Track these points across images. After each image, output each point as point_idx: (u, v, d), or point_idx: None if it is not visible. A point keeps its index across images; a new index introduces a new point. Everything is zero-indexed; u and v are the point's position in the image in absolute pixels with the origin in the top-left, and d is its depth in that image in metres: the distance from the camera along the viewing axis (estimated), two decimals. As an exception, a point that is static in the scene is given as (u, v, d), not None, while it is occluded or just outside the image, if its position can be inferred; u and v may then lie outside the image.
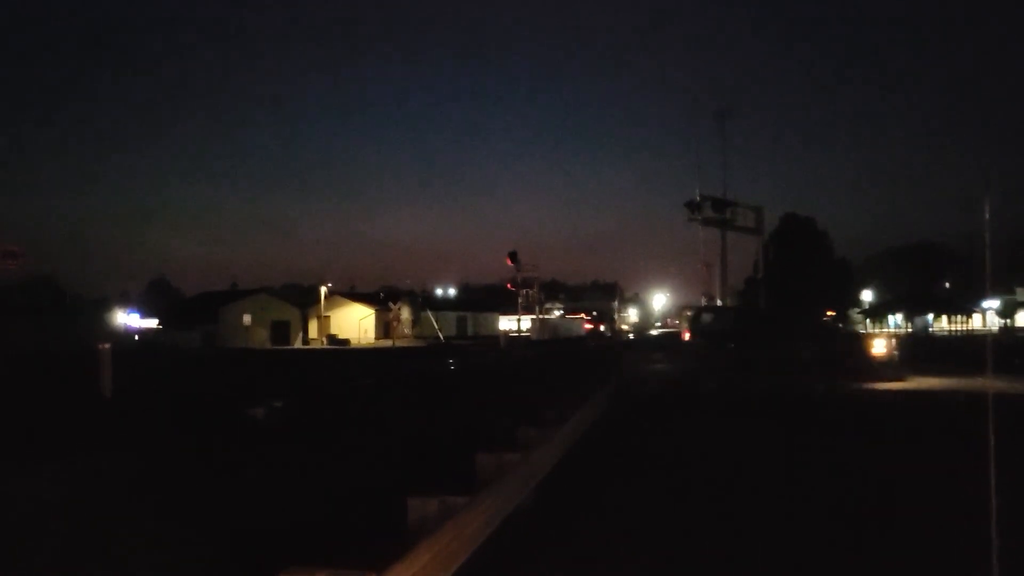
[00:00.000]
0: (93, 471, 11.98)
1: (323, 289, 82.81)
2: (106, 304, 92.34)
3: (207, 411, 19.24)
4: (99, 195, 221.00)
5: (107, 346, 23.20)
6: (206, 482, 11.24)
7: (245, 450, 13.80)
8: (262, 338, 77.85)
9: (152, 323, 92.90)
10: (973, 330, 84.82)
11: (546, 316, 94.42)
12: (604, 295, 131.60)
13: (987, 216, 3.83)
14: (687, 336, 69.23)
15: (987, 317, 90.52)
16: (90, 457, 13.00)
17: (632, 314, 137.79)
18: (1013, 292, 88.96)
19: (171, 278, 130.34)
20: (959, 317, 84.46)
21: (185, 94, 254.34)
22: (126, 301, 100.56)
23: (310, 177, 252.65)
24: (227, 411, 18.25)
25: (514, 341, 72.63)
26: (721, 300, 62.77)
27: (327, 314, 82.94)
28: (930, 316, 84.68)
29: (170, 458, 13.15)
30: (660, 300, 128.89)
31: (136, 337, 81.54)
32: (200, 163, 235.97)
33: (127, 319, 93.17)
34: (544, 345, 70.03)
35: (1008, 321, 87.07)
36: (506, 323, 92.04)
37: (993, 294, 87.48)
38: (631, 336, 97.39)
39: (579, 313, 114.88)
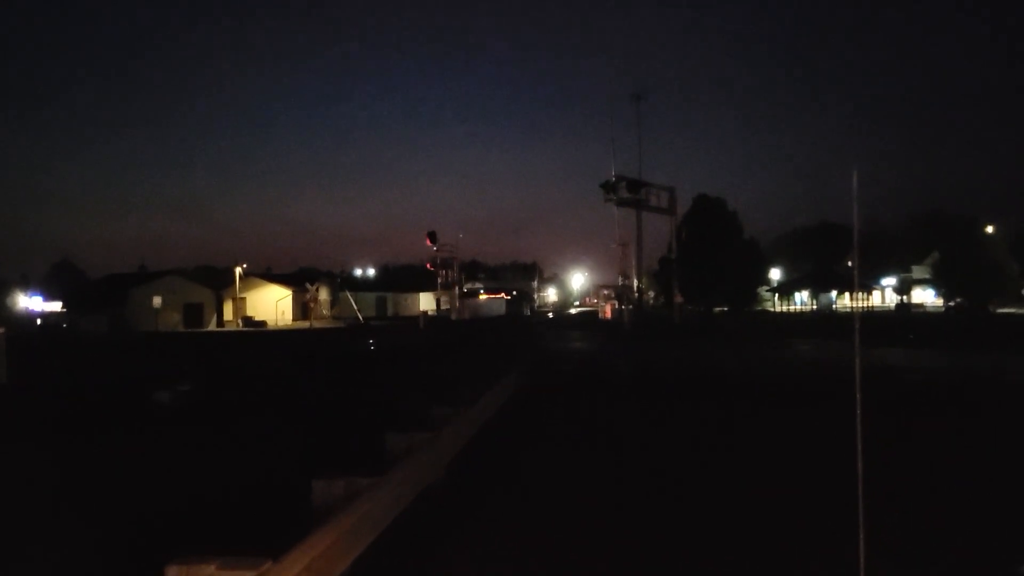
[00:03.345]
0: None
1: (238, 270, 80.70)
2: (5, 287, 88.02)
3: (110, 396, 18.66)
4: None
5: (2, 330, 22.14)
6: (103, 468, 10.92)
7: (148, 435, 13.46)
8: (174, 321, 75.47)
9: (56, 307, 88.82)
10: (873, 307, 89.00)
11: (466, 296, 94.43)
12: (524, 275, 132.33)
13: (855, 211, 4.09)
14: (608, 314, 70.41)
15: (886, 294, 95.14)
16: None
17: (551, 293, 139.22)
18: (909, 270, 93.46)
19: (76, 260, 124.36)
20: (860, 294, 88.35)
21: (92, 66, 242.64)
22: (27, 284, 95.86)
23: (224, 157, 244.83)
24: (131, 395, 17.74)
25: (433, 321, 72.50)
26: (637, 279, 64.15)
27: (243, 296, 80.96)
28: (833, 293, 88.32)
29: (66, 445, 12.71)
30: (578, 279, 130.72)
31: (38, 321, 77.89)
32: (106, 140, 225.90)
33: (29, 302, 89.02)
34: (463, 325, 70.14)
35: (904, 297, 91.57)
36: (425, 303, 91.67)
37: (891, 272, 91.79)
38: (550, 315, 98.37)
39: (499, 293, 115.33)
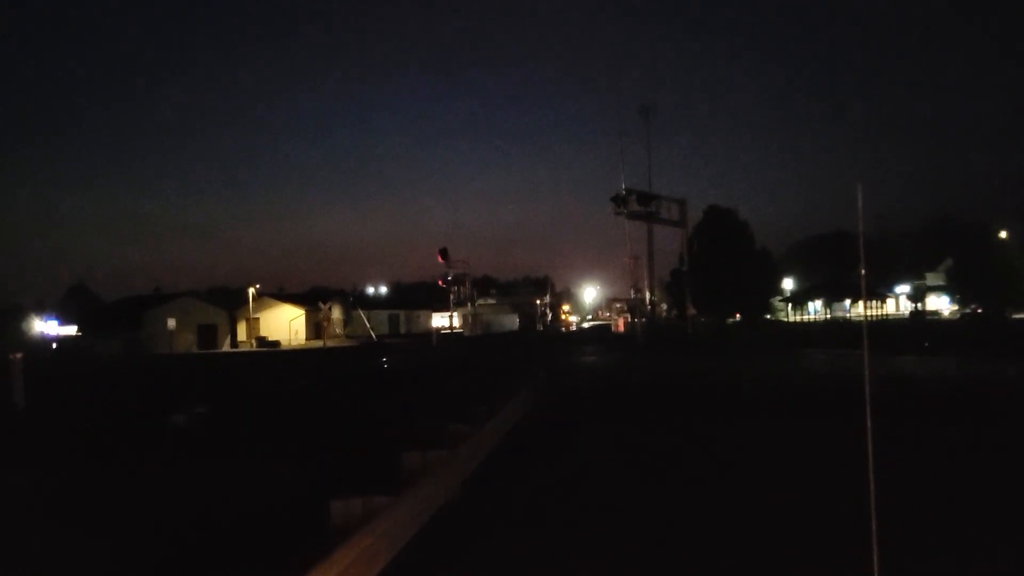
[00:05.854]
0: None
1: (251, 291, 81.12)
2: (20, 312, 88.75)
3: (126, 419, 18.77)
4: (11, 199, 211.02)
5: (19, 355, 22.33)
6: (122, 491, 10.99)
7: (164, 458, 13.53)
8: (188, 343, 75.88)
9: (71, 330, 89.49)
10: (888, 315, 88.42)
11: (478, 312, 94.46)
12: (536, 290, 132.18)
13: (860, 225, 4.14)
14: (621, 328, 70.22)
15: (900, 302, 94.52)
16: None
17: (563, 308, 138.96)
18: (923, 277, 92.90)
19: (91, 284, 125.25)
20: (874, 302, 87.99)
21: (102, 92, 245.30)
22: (43, 309, 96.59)
23: (235, 178, 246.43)
24: (147, 419, 17.84)
25: (446, 338, 72.53)
26: (649, 292, 64.00)
27: (256, 316, 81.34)
28: (847, 302, 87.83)
29: (83, 470, 12.79)
30: (591, 293, 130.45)
31: (54, 345, 78.49)
32: (118, 165, 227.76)
33: (44, 327, 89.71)
34: (476, 341, 70.16)
35: (919, 305, 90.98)
36: (438, 320, 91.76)
37: (905, 279, 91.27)
38: (563, 329, 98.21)
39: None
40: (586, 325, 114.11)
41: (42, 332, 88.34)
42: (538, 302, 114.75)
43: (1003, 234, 75.54)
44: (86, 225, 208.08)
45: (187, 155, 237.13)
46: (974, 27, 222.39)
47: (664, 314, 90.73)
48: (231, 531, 8.64)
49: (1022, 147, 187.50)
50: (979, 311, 72.89)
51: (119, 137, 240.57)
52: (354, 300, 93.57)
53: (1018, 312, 71.87)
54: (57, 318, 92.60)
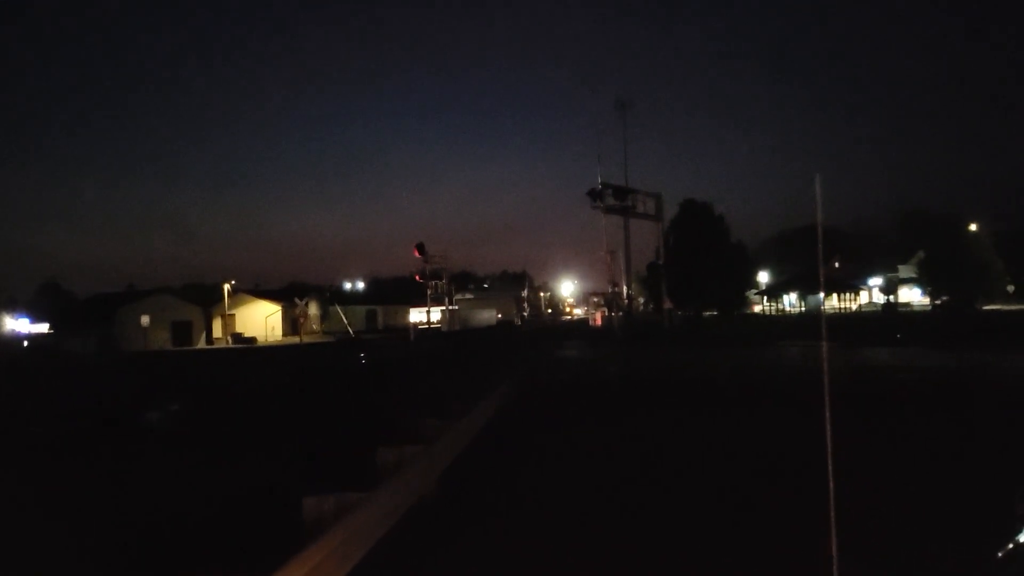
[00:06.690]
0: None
1: (226, 287, 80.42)
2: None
3: (99, 417, 18.56)
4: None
5: (-13, 354, 22.03)
6: (92, 490, 10.88)
7: (138, 455, 13.41)
8: (163, 340, 75.10)
9: (43, 328, 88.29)
10: (861, 307, 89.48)
11: (456, 307, 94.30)
12: (514, 285, 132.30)
13: (818, 209, 4.19)
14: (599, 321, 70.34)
15: (873, 294, 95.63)
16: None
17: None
18: (896, 270, 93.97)
19: (63, 281, 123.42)
20: (848, 295, 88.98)
21: (76, 87, 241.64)
22: (13, 306, 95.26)
23: (210, 174, 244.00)
24: (120, 416, 17.66)
25: (424, 333, 72.37)
26: (626, 286, 64.27)
27: (231, 312, 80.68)
28: (821, 294, 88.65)
29: (55, 467, 12.65)
30: (568, 287, 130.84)
31: (25, 343, 77.41)
32: (91, 159, 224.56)
33: (15, 325, 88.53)
34: (454, 336, 70.09)
35: (891, 297, 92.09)
36: (416, 315, 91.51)
37: (877, 272, 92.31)
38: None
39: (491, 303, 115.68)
40: (564, 319, 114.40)
41: (12, 330, 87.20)
42: (524, 293, 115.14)
43: (973, 227, 76.61)
44: (58, 221, 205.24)
45: (162, 150, 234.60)
46: (945, 17, 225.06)
47: (641, 308, 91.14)
48: (202, 528, 8.59)
49: (993, 141, 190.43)
50: (950, 302, 73.94)
51: (91, 132, 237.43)
52: (331, 296, 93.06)
53: (987, 303, 73.04)
54: (28, 316, 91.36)
